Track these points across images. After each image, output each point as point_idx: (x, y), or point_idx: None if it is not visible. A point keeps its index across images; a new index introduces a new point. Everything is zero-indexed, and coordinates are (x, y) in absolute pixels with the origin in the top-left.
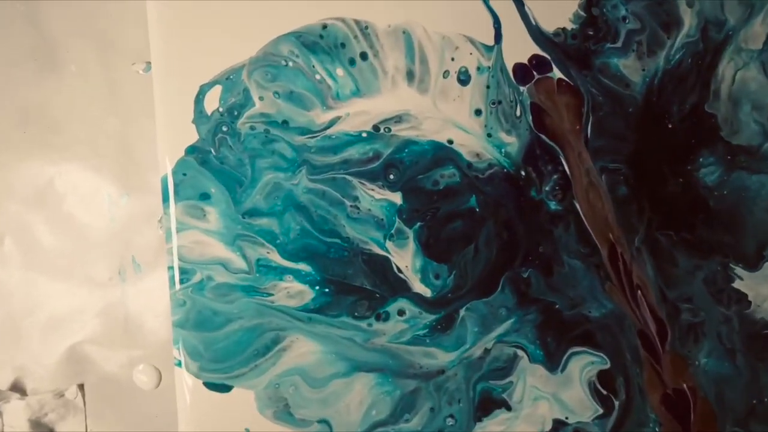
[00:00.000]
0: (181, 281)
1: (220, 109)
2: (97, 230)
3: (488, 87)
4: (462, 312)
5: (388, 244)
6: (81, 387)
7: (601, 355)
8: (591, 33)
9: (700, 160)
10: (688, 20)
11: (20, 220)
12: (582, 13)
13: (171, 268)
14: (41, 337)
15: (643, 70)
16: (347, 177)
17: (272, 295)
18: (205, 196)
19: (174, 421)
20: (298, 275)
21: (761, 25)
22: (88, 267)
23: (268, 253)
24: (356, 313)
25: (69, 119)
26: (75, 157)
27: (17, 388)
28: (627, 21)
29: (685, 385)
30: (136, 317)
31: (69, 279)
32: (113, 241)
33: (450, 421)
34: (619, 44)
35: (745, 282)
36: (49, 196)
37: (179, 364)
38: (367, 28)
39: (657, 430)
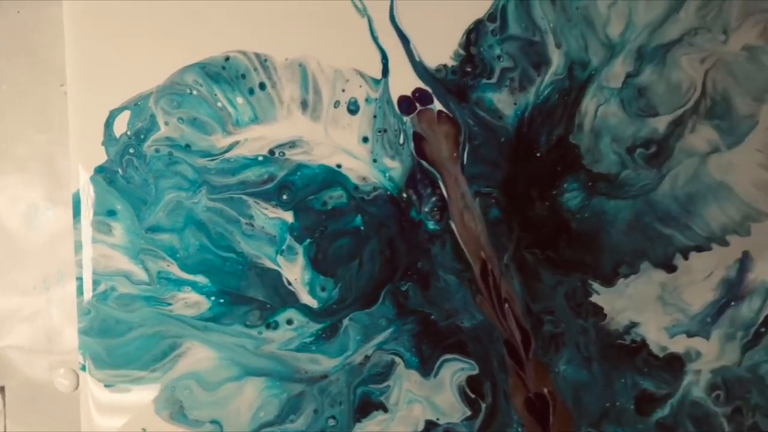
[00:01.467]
0: (88, 291)
1: (128, 133)
2: (25, 241)
3: (375, 117)
4: (345, 322)
5: (280, 258)
6: (2, 390)
7: (471, 362)
8: (469, 69)
9: (565, 186)
10: (556, 60)
11: None
12: (462, 51)
13: (80, 278)
14: None
15: (515, 104)
16: (243, 197)
17: (171, 304)
18: (111, 213)
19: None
20: (195, 287)
21: (621, 65)
22: (15, 275)
23: (168, 266)
24: (248, 322)
25: (2, 135)
26: (6, 170)
27: None
28: (501, 59)
29: (545, 390)
30: (58, 324)
31: None
32: (40, 251)
33: (331, 422)
34: (493, 80)
35: (602, 297)
36: None
37: (83, 368)
38: (266, 60)
39: (520, 430)
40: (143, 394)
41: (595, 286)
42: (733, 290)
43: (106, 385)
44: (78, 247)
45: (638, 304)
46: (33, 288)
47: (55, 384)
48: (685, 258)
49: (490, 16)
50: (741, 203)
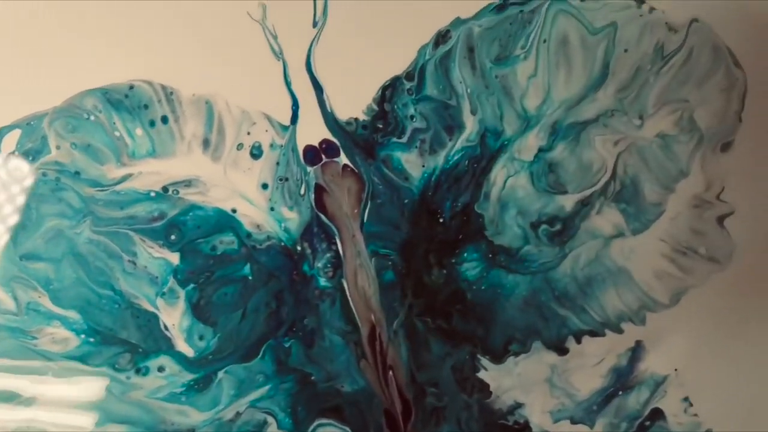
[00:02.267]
0: None
1: (16, 153)
2: None
3: (278, 164)
4: (221, 374)
5: (159, 301)
6: None
7: (347, 429)
8: (380, 126)
9: (464, 255)
10: (470, 126)
11: None
12: (375, 106)
13: None
14: None
15: (423, 166)
16: (130, 232)
17: (36, 338)
18: None
19: None
20: (65, 322)
21: (534, 138)
22: None
23: (39, 297)
24: (117, 365)
25: None
26: None
27: None
28: (414, 119)
29: None
30: None
31: None
32: None
33: None
34: (404, 140)
35: (489, 373)
36: None
37: None
38: (172, 93)
39: None
40: None
41: (484, 361)
42: (622, 379)
43: None
44: None
45: (525, 385)
46: None
47: None
48: (578, 341)
49: (408, 74)
50: (639, 291)
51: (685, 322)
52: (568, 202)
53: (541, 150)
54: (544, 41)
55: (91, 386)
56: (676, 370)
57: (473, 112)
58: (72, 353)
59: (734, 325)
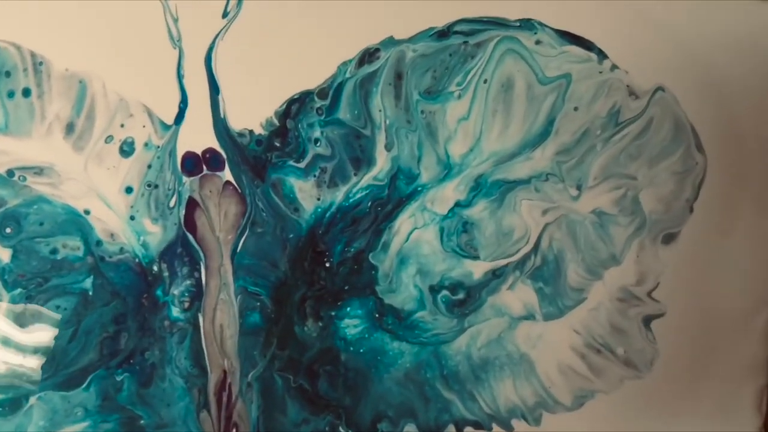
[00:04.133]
0: None
1: None
2: None
3: (150, 167)
4: (32, 399)
5: None
6: None
7: None
8: (277, 144)
9: (348, 309)
10: (381, 163)
11: None
12: (276, 121)
13: None
14: None
15: (318, 199)
16: None
17: None
18: None
19: None
20: None
21: (453, 190)
22: None
23: None
24: None
25: None
26: None
27: None
28: (318, 144)
29: None
30: None
31: None
32: None
33: None
34: (302, 165)
35: None
36: None
37: None
38: (41, 64)
39: None
40: None
41: None
42: None
43: None
44: None
45: None
46: None
47: None
48: None
49: (321, 91)
50: (539, 386)
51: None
52: (477, 269)
53: (458, 204)
54: (485, 81)
55: None
56: None
57: (388, 148)
58: None
59: None
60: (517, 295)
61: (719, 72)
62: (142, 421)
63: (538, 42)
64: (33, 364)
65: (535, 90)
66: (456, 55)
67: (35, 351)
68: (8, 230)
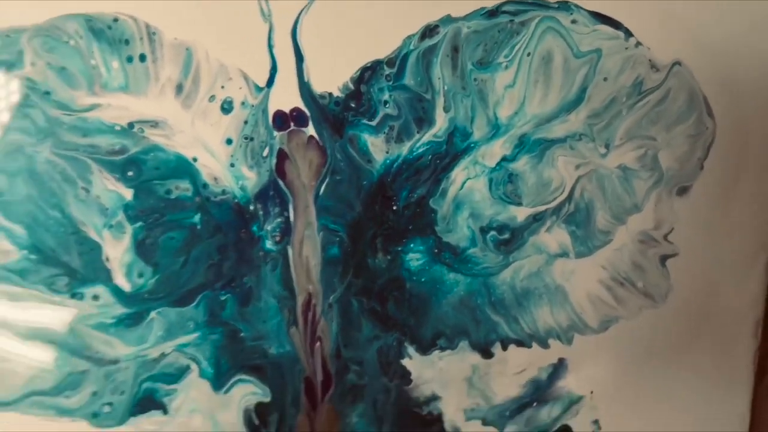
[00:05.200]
0: None
1: None
2: None
3: (246, 122)
4: (152, 314)
5: (105, 232)
6: None
7: (266, 388)
8: (353, 105)
9: (411, 245)
10: (440, 122)
11: None
12: (351, 86)
13: None
14: None
15: (387, 152)
16: (88, 161)
17: None
18: None
19: None
20: (10, 234)
21: (500, 147)
22: None
23: None
24: (53, 286)
25: None
26: None
27: None
28: (387, 105)
29: None
30: None
31: None
32: None
33: (106, 408)
34: (373, 123)
35: (413, 362)
36: None
37: None
38: (154, 34)
39: None
40: None
41: (410, 350)
42: (538, 392)
43: None
44: None
45: (445, 380)
46: None
47: None
48: (504, 348)
49: (390, 61)
50: (572, 312)
51: (610, 350)
52: (520, 213)
53: (504, 159)
54: (528, 54)
55: (26, 304)
56: (592, 392)
57: (446, 110)
58: (10, 266)
59: (656, 363)
60: (554, 236)
61: (728, 49)
62: (242, 334)
63: (573, 21)
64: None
65: (570, 63)
66: (504, 31)
67: (153, 275)
68: (130, 173)
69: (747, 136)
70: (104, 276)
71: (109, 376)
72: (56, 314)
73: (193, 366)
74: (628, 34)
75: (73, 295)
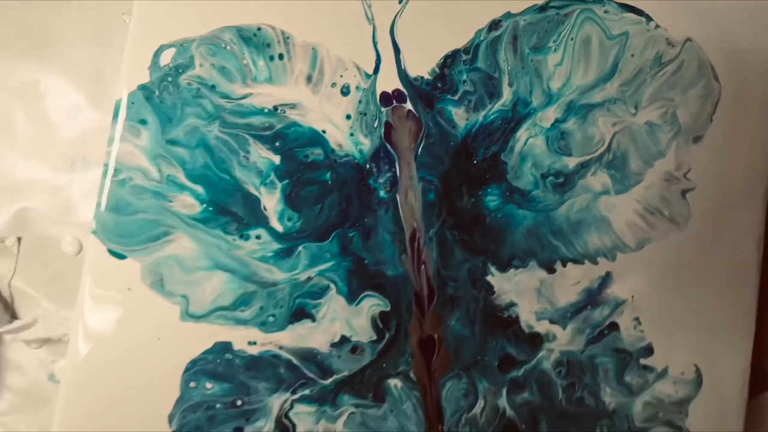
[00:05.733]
0: (110, 175)
1: (170, 65)
2: (62, 128)
3: (360, 102)
4: (300, 248)
5: (262, 188)
6: (19, 239)
7: (386, 300)
8: (439, 85)
9: (489, 190)
10: (506, 95)
11: (4, 104)
12: (437, 70)
13: (106, 165)
14: None
15: (467, 119)
16: (246, 136)
17: (172, 201)
18: (143, 122)
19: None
20: (193, 193)
21: (553, 112)
22: (49, 154)
23: (176, 172)
24: (227, 230)
25: (62, 40)
26: (60, 70)
27: None
28: (465, 84)
29: (436, 336)
30: (75, 200)
31: (31, 158)
32: (74, 140)
33: (271, 319)
34: (456, 98)
35: (495, 278)
36: (32, 93)
37: (95, 232)
38: (288, 38)
39: (409, 360)
40: (134, 263)
41: (492, 269)
42: (591, 298)
43: (108, 250)
44: (110, 141)
45: (519, 290)
46: (62, 166)
47: (62, 247)
48: (563, 266)
49: (466, 49)
50: (614, 236)
51: (645, 264)
52: (571, 162)
53: (557, 121)
54: (571, 39)
55: (208, 242)
56: (632, 297)
57: (510, 85)
58: (195, 216)
59: (682, 273)
60: (598, 179)
61: (730, 24)
62: (366, 261)
63: (605, 11)
64: (298, 228)
65: (605, 44)
66: (552, 22)
67: (298, 219)
68: (277, 144)
69: (747, 95)
70: (263, 221)
71: (271, 295)
72: (230, 250)
73: (332, 286)
74: (649, 19)
75: (241, 236)
